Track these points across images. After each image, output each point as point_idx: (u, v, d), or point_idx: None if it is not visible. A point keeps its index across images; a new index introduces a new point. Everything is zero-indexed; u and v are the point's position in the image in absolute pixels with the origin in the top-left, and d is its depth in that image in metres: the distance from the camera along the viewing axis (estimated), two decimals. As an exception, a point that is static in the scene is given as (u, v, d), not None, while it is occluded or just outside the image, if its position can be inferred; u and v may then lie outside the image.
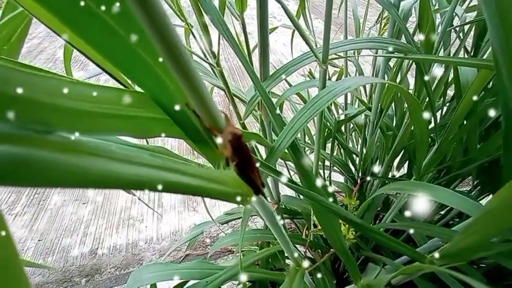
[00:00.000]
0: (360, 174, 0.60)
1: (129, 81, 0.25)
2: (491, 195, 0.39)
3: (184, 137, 0.16)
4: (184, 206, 1.15)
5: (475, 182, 0.44)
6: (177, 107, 0.12)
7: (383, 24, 0.53)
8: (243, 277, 0.32)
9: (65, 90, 0.10)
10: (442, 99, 0.49)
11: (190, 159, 0.25)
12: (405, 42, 0.36)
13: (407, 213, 0.55)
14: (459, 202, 0.24)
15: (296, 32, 0.35)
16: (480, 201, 0.38)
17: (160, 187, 0.09)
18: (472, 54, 0.46)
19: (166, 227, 1.07)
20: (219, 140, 0.11)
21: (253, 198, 0.13)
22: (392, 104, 0.58)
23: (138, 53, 0.11)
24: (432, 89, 0.43)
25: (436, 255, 0.25)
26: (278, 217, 0.17)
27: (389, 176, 0.69)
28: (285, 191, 1.09)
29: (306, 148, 0.69)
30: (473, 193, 0.55)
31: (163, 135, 0.18)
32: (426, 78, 0.35)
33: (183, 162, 0.12)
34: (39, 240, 1.02)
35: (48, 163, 0.08)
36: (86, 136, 0.12)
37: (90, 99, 0.12)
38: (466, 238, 0.20)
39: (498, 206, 0.16)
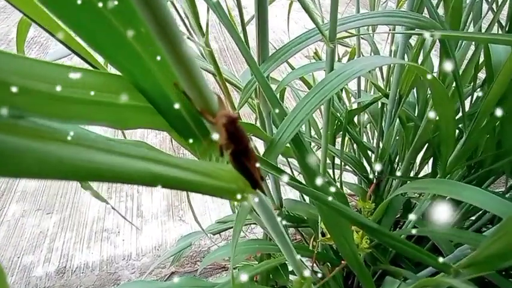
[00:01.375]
0: (376, 173, 0.61)
1: (103, 63, 0.25)
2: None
3: (168, 128, 0.17)
4: (168, 215, 1.16)
5: (511, 182, 0.45)
6: (162, 92, 0.13)
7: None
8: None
9: (37, 71, 0.10)
10: (472, 83, 0.50)
11: (182, 158, 0.26)
12: (428, 16, 0.36)
13: (431, 218, 0.56)
14: (491, 203, 0.25)
15: (299, 4, 0.35)
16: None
17: (147, 180, 0.10)
18: (507, 29, 0.47)
19: (148, 240, 1.08)
20: (212, 128, 0.12)
21: (251, 195, 0.14)
22: (414, 90, 0.59)
23: (114, 26, 0.12)
24: (460, 71, 0.43)
25: (461, 263, 0.25)
26: (279, 219, 0.17)
27: (411, 175, 0.70)
28: (288, 194, 1.10)
29: (312, 143, 0.70)
30: (508, 194, 0.56)
31: (144, 126, 0.19)
32: (450, 64, 0.36)
33: (169, 155, 0.13)
34: (-6, 258, 1.03)
35: (19, 151, 0.09)
36: (57, 123, 0.13)
37: (63, 82, 0.12)
38: (494, 243, 0.21)
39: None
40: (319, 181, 0.31)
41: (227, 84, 0.46)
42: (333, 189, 0.42)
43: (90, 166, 0.10)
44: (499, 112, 0.35)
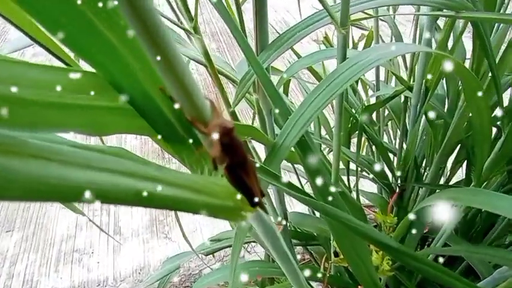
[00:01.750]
0: (399, 181, 0.61)
1: (74, 58, 0.26)
2: None
3: (152, 133, 0.17)
4: (151, 232, 1.16)
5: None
6: (144, 94, 0.13)
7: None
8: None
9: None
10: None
11: (160, 164, 0.26)
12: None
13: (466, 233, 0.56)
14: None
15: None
16: None
17: (130, 199, 0.10)
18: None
19: (127, 261, 1.08)
20: (204, 138, 0.12)
21: (250, 213, 0.14)
22: (443, 80, 0.60)
23: (86, 16, 0.12)
24: (497, 59, 0.44)
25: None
26: (282, 240, 0.18)
27: (441, 182, 0.71)
28: (295, 207, 1.11)
29: (323, 145, 0.70)
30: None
31: (123, 131, 0.19)
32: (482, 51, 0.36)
33: (155, 167, 0.13)
34: None
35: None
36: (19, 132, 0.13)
37: (25, 83, 0.13)
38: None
39: None
40: (330, 191, 0.31)
41: (220, 76, 0.46)
42: (346, 199, 0.42)
43: (63, 185, 0.10)
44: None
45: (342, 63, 0.27)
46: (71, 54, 0.26)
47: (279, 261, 0.19)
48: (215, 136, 0.12)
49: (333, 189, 0.31)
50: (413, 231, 0.53)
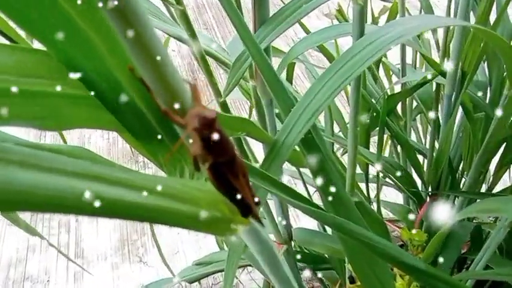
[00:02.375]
0: (430, 189, 0.62)
1: (23, 33, 0.26)
2: None
3: (119, 127, 0.17)
4: (122, 255, 1.15)
5: None
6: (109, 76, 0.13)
7: None
8: None
9: None
10: None
11: (129, 168, 0.26)
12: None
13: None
14: None
15: None
16: None
17: (88, 210, 0.10)
18: None
19: (92, 291, 1.08)
20: (183, 132, 0.12)
21: (242, 226, 0.14)
22: (484, 64, 0.60)
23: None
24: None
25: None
26: (284, 262, 0.18)
27: (482, 189, 0.71)
28: (301, 221, 1.11)
29: (336, 145, 0.70)
30: None
31: (84, 125, 0.19)
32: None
33: (120, 168, 0.13)
34: None
35: None
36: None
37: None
38: None
39: None
40: (344, 201, 0.31)
41: (209, 59, 0.46)
42: (365, 211, 0.42)
43: (9, 189, 0.10)
44: None
45: (358, 41, 0.27)
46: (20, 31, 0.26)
47: (274, 279, 0.19)
48: (193, 128, 0.11)
49: (347, 199, 0.31)
50: (448, 251, 0.53)
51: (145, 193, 0.12)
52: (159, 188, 0.13)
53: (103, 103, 0.15)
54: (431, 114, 0.60)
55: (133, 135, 0.17)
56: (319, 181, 0.27)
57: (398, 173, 0.60)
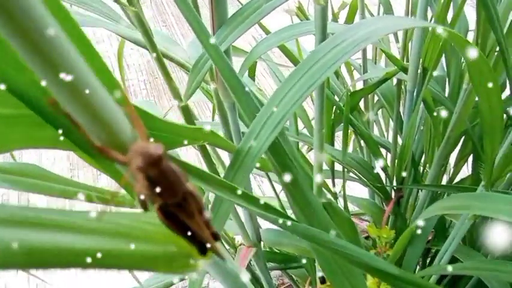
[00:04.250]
0: (395, 183, 0.62)
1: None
2: None
3: (61, 144, 0.15)
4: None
5: None
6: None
7: None
8: None
9: None
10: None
11: (91, 185, 0.24)
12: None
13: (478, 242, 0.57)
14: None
15: None
16: None
17: (16, 262, 0.09)
18: None
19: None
20: (125, 168, 0.10)
21: (202, 260, 0.12)
22: (443, 59, 0.61)
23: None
24: (504, 30, 0.45)
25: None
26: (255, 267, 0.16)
27: (443, 182, 0.72)
28: (265, 223, 1.10)
29: (300, 143, 0.70)
30: None
31: (28, 145, 0.17)
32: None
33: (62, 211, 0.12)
34: None
35: None
36: None
37: None
38: None
39: None
40: (314, 207, 0.30)
41: (167, 61, 0.44)
42: (334, 212, 0.42)
43: None
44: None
45: (323, 44, 0.26)
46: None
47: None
48: (136, 167, 0.10)
49: (316, 203, 0.30)
50: (414, 244, 0.53)
51: (89, 235, 0.11)
52: (107, 226, 0.11)
53: (47, 121, 0.13)
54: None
55: (81, 150, 0.15)
56: (288, 187, 0.26)
57: (366, 171, 0.60)
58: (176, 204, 0.11)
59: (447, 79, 0.64)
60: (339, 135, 0.78)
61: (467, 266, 0.43)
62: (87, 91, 0.08)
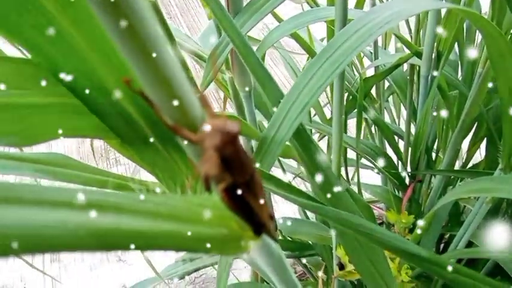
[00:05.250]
0: (410, 169, 0.62)
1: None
2: None
3: (104, 134, 0.16)
4: (99, 255, 1.12)
5: None
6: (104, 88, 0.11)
7: None
8: None
9: None
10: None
11: (119, 174, 0.24)
12: None
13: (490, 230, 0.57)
14: None
15: None
16: None
17: (90, 245, 0.09)
18: None
19: (71, 295, 1.05)
20: (192, 148, 0.11)
21: (253, 243, 0.12)
22: (455, 46, 0.60)
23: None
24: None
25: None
26: (292, 271, 0.17)
27: (456, 166, 0.72)
28: (278, 207, 1.11)
29: (313, 130, 0.70)
30: None
31: (63, 134, 0.17)
32: None
33: (115, 193, 0.12)
34: None
35: None
36: None
37: None
38: None
39: None
40: (337, 190, 0.30)
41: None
42: (354, 199, 0.42)
43: None
44: None
45: (345, 28, 0.26)
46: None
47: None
48: (211, 145, 0.10)
49: (339, 188, 0.30)
50: (431, 230, 0.53)
51: (150, 218, 0.11)
52: (161, 209, 0.11)
53: (92, 110, 0.13)
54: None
55: (122, 140, 0.15)
56: (319, 177, 0.26)
57: (380, 158, 0.60)
58: (244, 183, 0.11)
59: (459, 63, 0.64)
60: (349, 122, 0.78)
61: (485, 250, 0.43)
62: (168, 71, 0.08)
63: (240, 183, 0.11)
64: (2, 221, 0.08)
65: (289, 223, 0.52)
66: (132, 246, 0.10)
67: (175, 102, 0.09)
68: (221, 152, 0.10)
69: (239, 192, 0.11)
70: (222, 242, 0.12)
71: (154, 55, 0.08)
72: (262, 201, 0.12)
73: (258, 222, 0.12)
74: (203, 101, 0.11)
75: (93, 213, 0.10)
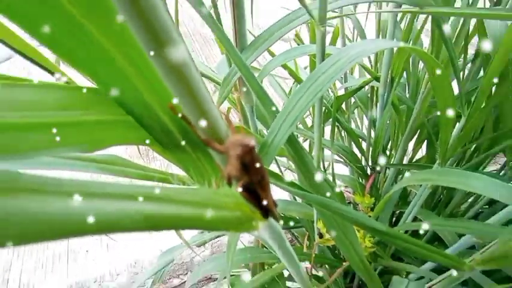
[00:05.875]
0: (371, 163, 0.62)
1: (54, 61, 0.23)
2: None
3: (152, 143, 0.15)
4: (142, 227, 1.12)
5: (511, 161, 0.47)
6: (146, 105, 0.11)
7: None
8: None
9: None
10: (463, 58, 0.51)
11: (161, 170, 0.24)
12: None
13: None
14: (506, 194, 0.25)
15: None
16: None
17: (140, 226, 0.09)
18: (495, 1, 0.48)
19: (123, 257, 1.05)
20: (219, 156, 0.11)
21: (261, 222, 0.12)
22: (404, 72, 0.60)
23: (81, 25, 0.10)
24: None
25: (476, 258, 0.26)
26: (287, 242, 0.16)
27: (404, 161, 0.72)
28: (274, 193, 1.10)
29: (299, 135, 0.70)
30: (502, 173, 0.59)
31: (121, 143, 0.17)
32: (446, 30, 0.36)
33: (161, 187, 0.12)
34: None
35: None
36: (9, 160, 0.11)
37: (11, 105, 0.10)
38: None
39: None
40: (318, 179, 0.30)
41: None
42: (330, 187, 0.42)
43: (64, 220, 0.08)
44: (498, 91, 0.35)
45: (325, 62, 0.26)
46: (51, 57, 0.23)
47: (283, 258, 0.18)
48: (234, 154, 0.10)
49: (320, 177, 0.30)
50: (387, 208, 0.53)
51: (180, 205, 0.11)
52: (195, 198, 0.11)
53: (141, 124, 0.13)
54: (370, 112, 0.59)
55: (162, 146, 0.15)
56: (300, 167, 0.26)
57: (349, 155, 0.59)
58: (257, 181, 0.11)
59: (407, 85, 0.64)
60: (326, 129, 0.78)
61: (428, 223, 0.43)
62: (202, 101, 0.08)
63: (254, 181, 0.11)
64: (84, 208, 0.08)
65: (282, 204, 0.52)
66: (173, 227, 0.10)
67: (207, 122, 0.09)
68: (241, 160, 0.10)
69: (253, 187, 0.11)
70: (239, 222, 0.12)
71: (194, 90, 0.08)
72: (270, 194, 0.12)
73: (266, 208, 0.12)
74: (227, 121, 0.11)
75: (145, 203, 0.10)
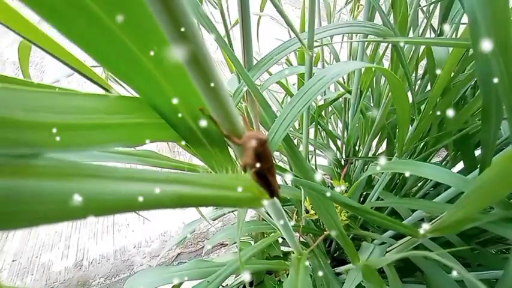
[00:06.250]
0: (344, 156, 0.62)
1: (104, 77, 0.22)
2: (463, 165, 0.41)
3: (177, 139, 0.15)
4: (170, 206, 1.12)
5: (451, 154, 0.47)
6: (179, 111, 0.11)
7: (357, 7, 0.53)
8: (247, 276, 0.31)
9: (44, 103, 0.08)
10: (415, 75, 0.51)
11: (189, 162, 0.23)
12: (382, 24, 0.36)
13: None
14: (449, 178, 0.25)
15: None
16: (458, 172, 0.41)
17: (175, 203, 0.08)
18: (438, 32, 0.48)
19: (155, 228, 1.04)
20: (236, 147, 0.10)
21: (267, 201, 0.12)
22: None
23: (128, 48, 0.10)
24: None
25: (427, 228, 0.26)
26: (285, 214, 0.16)
27: (369, 155, 0.72)
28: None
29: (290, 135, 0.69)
30: (444, 163, 0.59)
31: (155, 140, 0.17)
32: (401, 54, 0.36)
33: (188, 166, 0.11)
34: (13, 261, 0.95)
35: (38, 195, 0.06)
36: (71, 153, 0.11)
37: (73, 110, 0.10)
38: (457, 212, 0.21)
39: (490, 180, 0.17)
40: (309, 171, 0.30)
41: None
42: (318, 176, 0.41)
43: (118, 198, 0.08)
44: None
45: (311, 79, 0.25)
46: (102, 75, 0.23)
47: (281, 228, 0.18)
48: (250, 146, 0.10)
49: (310, 169, 0.30)
50: (357, 191, 0.53)
51: (208, 188, 0.10)
52: (216, 182, 0.11)
53: (171, 125, 0.13)
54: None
55: (187, 143, 0.15)
56: (293, 158, 0.26)
57: (328, 150, 0.59)
58: (267, 168, 0.11)
59: (371, 96, 0.63)
60: (310, 130, 0.78)
61: (392, 202, 0.43)
62: (225, 103, 0.08)
63: (264, 168, 0.11)
64: (135, 189, 0.08)
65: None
66: (200, 204, 0.10)
67: (229, 121, 0.09)
68: (256, 151, 0.10)
69: (263, 173, 0.11)
70: (249, 201, 0.12)
71: (223, 100, 0.08)
72: (275, 179, 0.12)
73: (272, 189, 0.12)
74: (243, 120, 0.11)
75: (180, 186, 0.09)
